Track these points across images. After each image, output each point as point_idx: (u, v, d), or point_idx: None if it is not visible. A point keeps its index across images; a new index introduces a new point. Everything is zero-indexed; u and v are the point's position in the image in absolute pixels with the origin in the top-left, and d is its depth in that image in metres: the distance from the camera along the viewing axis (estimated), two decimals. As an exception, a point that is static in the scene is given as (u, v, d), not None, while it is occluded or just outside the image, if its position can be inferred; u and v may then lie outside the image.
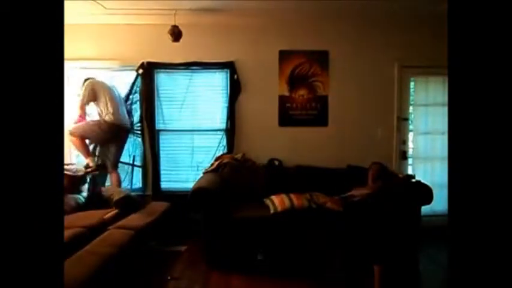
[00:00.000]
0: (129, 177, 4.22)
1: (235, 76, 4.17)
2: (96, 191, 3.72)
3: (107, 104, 3.74)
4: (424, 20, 4.01)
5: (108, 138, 3.83)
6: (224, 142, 4.24)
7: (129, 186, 4.15)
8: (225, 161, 3.85)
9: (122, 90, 4.15)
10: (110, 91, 3.85)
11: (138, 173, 4.28)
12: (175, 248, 3.57)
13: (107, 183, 3.98)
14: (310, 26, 4.18)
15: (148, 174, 4.24)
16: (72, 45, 3.85)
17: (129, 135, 4.13)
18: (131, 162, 4.21)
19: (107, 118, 3.73)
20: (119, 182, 3.88)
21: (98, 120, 3.78)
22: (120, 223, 2.80)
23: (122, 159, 4.11)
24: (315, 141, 4.24)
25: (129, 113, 4.14)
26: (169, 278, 2.97)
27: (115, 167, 3.91)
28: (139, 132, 4.23)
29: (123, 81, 4.24)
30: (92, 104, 3.85)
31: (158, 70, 4.21)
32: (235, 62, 4.17)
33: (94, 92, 3.77)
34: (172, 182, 4.31)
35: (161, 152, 4.30)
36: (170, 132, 4.30)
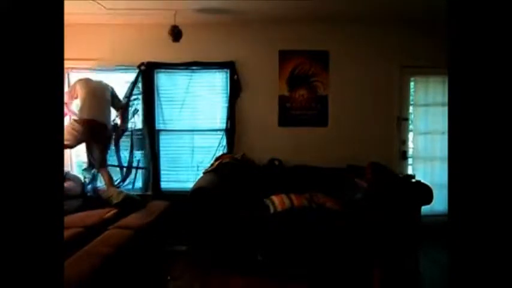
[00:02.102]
0: (131, 178, 4.22)
1: (235, 76, 4.17)
2: (94, 191, 3.72)
3: (84, 100, 3.68)
4: (424, 20, 4.00)
5: (86, 137, 3.73)
6: (224, 142, 4.24)
7: (130, 186, 4.13)
8: (225, 161, 3.85)
9: (121, 90, 4.14)
10: (93, 88, 3.79)
11: (138, 173, 4.27)
12: (175, 248, 3.57)
13: (100, 184, 3.96)
14: (310, 26, 4.17)
15: (149, 174, 4.23)
16: (72, 45, 3.84)
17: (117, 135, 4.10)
18: (136, 165, 4.20)
19: (80, 115, 3.67)
20: (111, 179, 3.81)
21: (71, 122, 3.73)
22: (120, 223, 2.80)
23: (124, 162, 4.10)
24: (315, 141, 4.24)
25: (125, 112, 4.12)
26: (169, 278, 2.97)
27: (103, 165, 3.84)
28: (139, 132, 4.23)
29: (122, 81, 4.23)
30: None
31: (158, 70, 4.22)
32: (235, 62, 4.17)
33: (75, 90, 3.75)
34: (172, 182, 4.32)
35: (161, 152, 4.30)
36: (170, 132, 4.30)
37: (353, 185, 3.49)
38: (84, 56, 4.11)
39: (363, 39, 4.20)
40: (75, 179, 3.80)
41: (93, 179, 3.89)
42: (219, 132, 4.27)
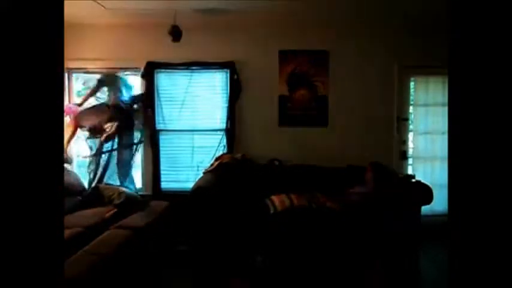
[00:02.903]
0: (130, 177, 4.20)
1: (235, 76, 4.17)
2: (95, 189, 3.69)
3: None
4: (424, 20, 4.00)
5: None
6: (224, 142, 4.24)
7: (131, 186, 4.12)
8: (225, 161, 3.85)
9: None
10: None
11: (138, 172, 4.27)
12: (175, 248, 3.56)
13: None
14: (310, 26, 4.17)
15: (149, 174, 4.24)
16: (72, 46, 3.85)
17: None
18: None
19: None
20: None
21: None
22: (120, 223, 2.80)
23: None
24: (314, 141, 4.24)
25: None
26: (169, 277, 2.96)
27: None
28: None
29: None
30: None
31: (158, 70, 4.22)
32: (235, 62, 4.17)
33: None
34: (172, 182, 4.32)
35: (161, 152, 4.30)
36: (170, 132, 4.30)
37: (353, 185, 3.48)
38: (84, 56, 4.11)
39: (363, 39, 4.19)
40: (73, 175, 3.78)
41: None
42: (219, 132, 4.27)
